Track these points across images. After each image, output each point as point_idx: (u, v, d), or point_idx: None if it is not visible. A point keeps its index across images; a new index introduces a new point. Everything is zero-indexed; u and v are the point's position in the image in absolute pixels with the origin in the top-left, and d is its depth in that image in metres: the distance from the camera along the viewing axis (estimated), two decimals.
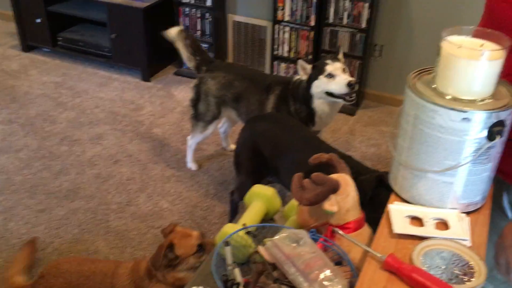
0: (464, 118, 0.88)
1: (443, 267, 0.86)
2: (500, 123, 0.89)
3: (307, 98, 2.35)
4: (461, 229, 0.93)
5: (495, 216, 1.05)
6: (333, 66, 2.29)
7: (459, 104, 0.90)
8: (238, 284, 0.90)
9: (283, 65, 3.57)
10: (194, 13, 3.63)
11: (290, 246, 0.96)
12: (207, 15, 3.60)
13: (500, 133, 0.89)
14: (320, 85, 2.30)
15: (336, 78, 2.27)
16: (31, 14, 3.91)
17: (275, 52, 3.55)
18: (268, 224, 1.12)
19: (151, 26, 3.61)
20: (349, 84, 2.25)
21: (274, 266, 0.97)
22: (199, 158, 2.93)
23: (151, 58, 3.72)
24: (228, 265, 0.97)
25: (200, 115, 2.63)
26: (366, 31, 3.21)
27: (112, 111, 3.35)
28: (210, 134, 2.72)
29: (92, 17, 3.79)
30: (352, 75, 3.33)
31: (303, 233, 0.98)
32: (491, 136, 0.89)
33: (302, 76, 2.37)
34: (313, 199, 1.01)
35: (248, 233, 1.03)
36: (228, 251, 0.98)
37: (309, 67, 2.34)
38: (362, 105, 3.56)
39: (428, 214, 0.97)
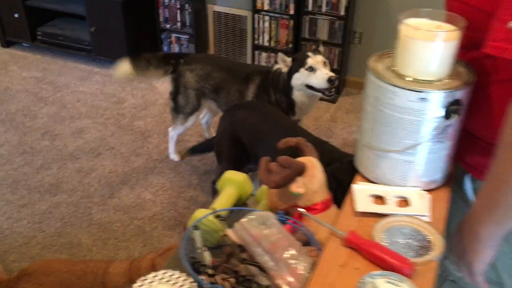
0: (421, 98, 0.91)
1: (403, 242, 0.89)
2: (456, 102, 0.92)
3: (287, 89, 2.37)
4: (421, 205, 0.96)
5: (457, 200, 1.07)
6: (314, 59, 2.29)
7: (416, 84, 0.92)
8: (205, 265, 0.92)
9: (264, 54, 3.59)
10: (173, 4, 3.62)
11: (258, 228, 0.98)
12: (186, 6, 3.59)
13: (456, 111, 0.92)
14: (300, 78, 2.31)
15: (316, 72, 2.28)
16: (9, 9, 3.86)
17: (256, 42, 3.56)
18: (236, 208, 1.14)
19: (131, 18, 3.59)
20: (330, 80, 2.26)
21: (243, 248, 1.00)
22: (181, 149, 2.94)
23: (132, 51, 3.70)
24: (198, 249, 0.99)
25: (180, 107, 2.64)
26: (345, 19, 3.23)
27: (93, 104, 3.35)
28: (191, 126, 2.73)
29: (70, 10, 3.76)
30: (332, 63, 3.37)
31: (270, 215, 1.00)
32: (447, 115, 0.92)
33: (283, 68, 2.38)
34: (279, 181, 1.03)
35: (218, 217, 1.05)
36: (197, 235, 1.00)
37: (289, 59, 2.34)
38: (343, 92, 3.59)
39: (391, 192, 0.99)
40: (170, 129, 2.81)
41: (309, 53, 2.32)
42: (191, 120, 2.67)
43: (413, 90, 0.91)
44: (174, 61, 2.61)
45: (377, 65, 0.99)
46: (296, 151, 1.20)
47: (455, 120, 0.93)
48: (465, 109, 0.95)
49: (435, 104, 0.91)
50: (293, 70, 2.33)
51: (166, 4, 3.63)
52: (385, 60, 1.01)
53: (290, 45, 3.45)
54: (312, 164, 1.08)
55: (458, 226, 0.94)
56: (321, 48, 2.41)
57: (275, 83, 2.42)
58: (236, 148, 2.11)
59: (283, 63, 2.36)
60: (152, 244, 2.28)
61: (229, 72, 2.51)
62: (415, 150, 0.96)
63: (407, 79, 0.94)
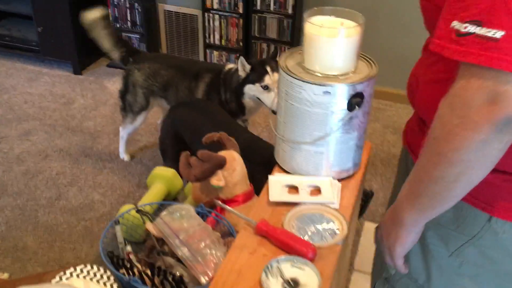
0: (325, 92, 0.96)
1: (312, 228, 0.94)
2: (358, 95, 0.97)
3: (239, 92, 2.38)
4: (331, 194, 1.01)
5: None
6: (272, 79, 2.28)
7: (322, 79, 0.97)
8: (123, 259, 0.95)
9: (215, 53, 3.61)
10: (123, 3, 3.59)
11: (177, 221, 1.01)
12: (136, 5, 3.57)
13: (358, 104, 0.98)
14: (253, 90, 2.32)
15: (270, 93, 2.29)
16: None
17: (207, 41, 3.58)
18: (156, 202, 1.17)
19: (79, 18, 3.53)
20: None
21: (164, 241, 1.03)
22: (132, 148, 2.93)
23: (82, 51, 3.65)
24: (119, 243, 1.01)
25: (128, 106, 2.63)
26: (292, 17, 3.29)
27: (41, 106, 3.29)
28: (140, 125, 2.73)
29: (17, 10, 3.67)
30: None
31: (189, 208, 1.04)
32: (350, 107, 0.97)
33: (240, 71, 2.37)
34: (199, 175, 1.07)
35: (139, 212, 1.07)
36: (118, 230, 1.02)
37: (248, 66, 2.31)
38: None
39: (304, 182, 1.04)
40: (120, 128, 2.79)
41: (268, 68, 2.30)
42: (139, 120, 2.66)
43: (318, 84, 0.96)
44: (124, 49, 2.59)
45: (288, 62, 1.04)
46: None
47: (358, 111, 0.99)
48: (368, 102, 1.01)
49: (338, 97, 0.96)
50: (249, 79, 2.32)
51: (115, 3, 3.60)
52: (296, 57, 1.06)
53: (241, 44, 3.49)
54: (233, 157, 1.12)
55: (388, 210, 0.97)
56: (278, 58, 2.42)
57: (227, 83, 2.43)
58: (178, 146, 2.11)
59: (241, 67, 2.34)
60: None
61: (178, 70, 2.51)
62: (325, 141, 1.01)
63: (316, 74, 0.99)
